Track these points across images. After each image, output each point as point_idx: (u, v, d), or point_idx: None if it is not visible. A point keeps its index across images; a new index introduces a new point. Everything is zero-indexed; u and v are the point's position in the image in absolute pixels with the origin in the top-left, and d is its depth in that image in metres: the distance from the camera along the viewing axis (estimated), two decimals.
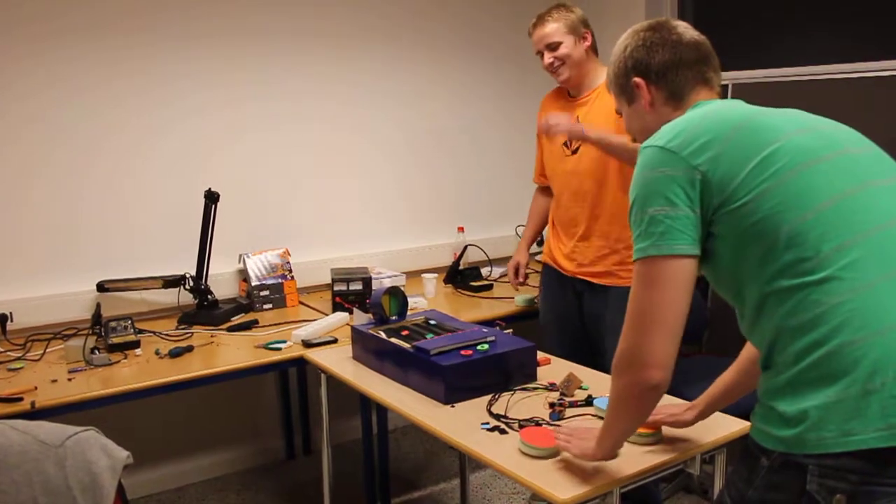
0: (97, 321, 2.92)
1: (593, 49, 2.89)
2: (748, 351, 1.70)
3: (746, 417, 1.60)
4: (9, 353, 2.77)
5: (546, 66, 2.87)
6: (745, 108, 1.40)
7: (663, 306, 1.33)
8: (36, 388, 2.39)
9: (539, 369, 2.33)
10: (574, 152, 2.86)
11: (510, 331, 2.45)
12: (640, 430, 1.80)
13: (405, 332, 2.41)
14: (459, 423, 1.97)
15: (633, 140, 1.64)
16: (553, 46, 2.82)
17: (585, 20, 2.88)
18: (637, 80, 1.55)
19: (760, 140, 1.31)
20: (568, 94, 2.95)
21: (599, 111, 2.79)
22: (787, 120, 1.36)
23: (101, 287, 3.01)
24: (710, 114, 1.39)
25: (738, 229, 1.30)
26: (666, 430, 1.85)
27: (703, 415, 1.80)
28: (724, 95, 3.70)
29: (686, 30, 1.55)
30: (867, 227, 1.25)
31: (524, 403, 2.10)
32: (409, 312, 2.66)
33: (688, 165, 1.32)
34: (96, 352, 2.63)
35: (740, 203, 1.29)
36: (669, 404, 1.87)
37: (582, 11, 2.91)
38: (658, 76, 1.53)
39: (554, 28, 2.82)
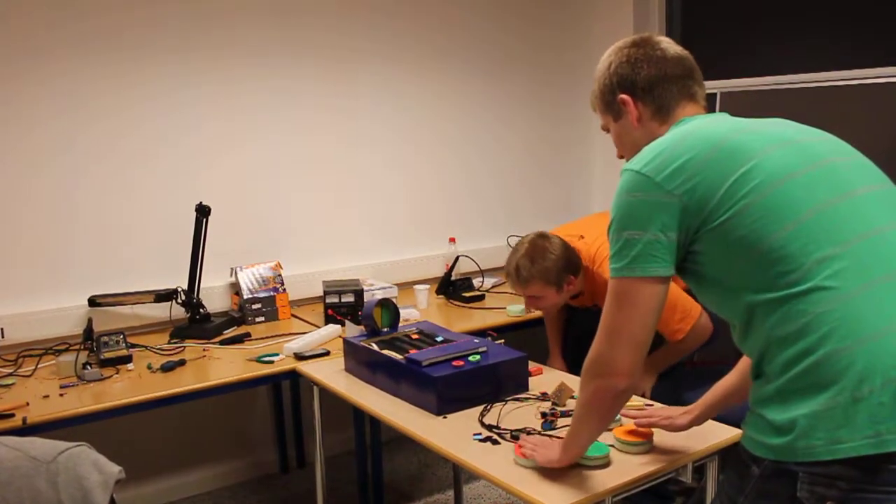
0: (89, 336, 2.92)
1: (577, 276, 2.71)
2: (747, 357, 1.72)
3: (738, 426, 1.61)
4: (0, 368, 2.76)
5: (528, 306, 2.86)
6: (726, 126, 1.41)
7: (632, 323, 1.40)
8: (27, 403, 2.38)
9: (531, 379, 2.34)
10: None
11: (502, 341, 2.46)
12: (632, 439, 1.81)
13: (397, 344, 2.41)
14: (452, 434, 1.97)
15: (619, 156, 1.65)
16: (534, 298, 2.73)
17: (565, 258, 2.66)
18: (623, 96, 1.56)
19: (737, 159, 1.33)
20: None
21: (603, 296, 2.74)
22: (766, 135, 1.37)
23: (93, 302, 3.00)
24: (688, 134, 1.40)
25: (720, 246, 1.32)
26: (657, 438, 1.85)
27: (699, 420, 1.82)
28: (712, 105, 3.74)
29: (669, 45, 1.56)
30: (850, 237, 1.26)
31: (516, 414, 2.10)
32: (401, 324, 2.66)
33: (663, 191, 1.34)
34: (88, 367, 2.62)
35: (720, 221, 1.31)
36: (665, 407, 1.88)
37: (560, 243, 2.68)
38: (644, 92, 1.54)
39: (533, 288, 2.67)
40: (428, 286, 3.55)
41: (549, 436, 1.91)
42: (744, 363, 1.73)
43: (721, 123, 1.43)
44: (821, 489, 1.21)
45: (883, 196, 1.34)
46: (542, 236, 2.71)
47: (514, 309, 3.30)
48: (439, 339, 2.43)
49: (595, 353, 1.45)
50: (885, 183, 1.38)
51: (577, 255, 2.72)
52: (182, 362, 2.75)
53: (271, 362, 2.71)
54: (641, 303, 1.38)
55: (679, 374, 2.93)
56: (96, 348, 2.77)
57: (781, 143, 1.36)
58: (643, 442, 1.80)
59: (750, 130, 1.39)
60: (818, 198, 1.29)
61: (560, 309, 3.11)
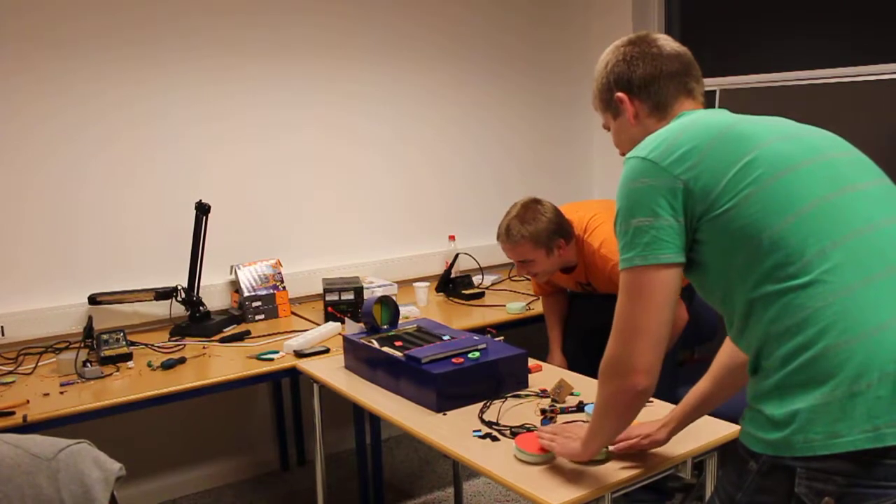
0: (89, 334, 2.92)
1: (568, 241, 2.74)
2: (721, 360, 1.70)
3: (736, 421, 1.61)
4: (0, 366, 2.76)
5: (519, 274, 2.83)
6: (727, 117, 1.42)
7: (648, 316, 1.36)
8: (28, 401, 2.39)
9: (530, 376, 2.34)
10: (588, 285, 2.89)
11: (502, 338, 2.46)
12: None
13: (397, 342, 2.42)
14: (451, 431, 1.97)
15: (622, 154, 1.65)
16: (524, 262, 2.74)
17: (556, 222, 2.69)
18: (620, 94, 1.56)
19: (741, 147, 1.33)
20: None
21: (593, 268, 2.77)
22: (767, 128, 1.38)
23: (93, 300, 3.00)
24: (691, 123, 1.40)
25: (722, 236, 1.32)
26: None
27: (677, 430, 1.79)
28: (711, 102, 3.74)
29: (666, 42, 1.57)
30: (847, 232, 1.26)
31: (516, 410, 2.10)
32: (400, 321, 2.67)
33: (669, 175, 1.34)
34: (88, 365, 2.62)
35: (723, 209, 1.30)
36: (641, 423, 1.80)
37: (552, 207, 2.71)
38: (640, 89, 1.54)
39: (523, 249, 2.69)
40: (428, 284, 3.55)
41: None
42: (717, 368, 1.70)
43: (723, 115, 1.44)
44: (818, 484, 1.21)
45: (881, 192, 1.34)
46: (535, 200, 2.76)
47: (513, 306, 3.31)
48: (439, 336, 2.43)
49: (611, 353, 1.41)
50: (883, 179, 1.38)
51: (568, 223, 2.76)
52: (182, 360, 2.75)
53: (271, 360, 2.72)
54: (656, 292, 1.35)
55: (676, 369, 2.94)
56: (96, 346, 2.77)
57: (783, 137, 1.36)
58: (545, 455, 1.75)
59: (752, 122, 1.40)
60: (817, 191, 1.29)
61: (560, 303, 3.11)
